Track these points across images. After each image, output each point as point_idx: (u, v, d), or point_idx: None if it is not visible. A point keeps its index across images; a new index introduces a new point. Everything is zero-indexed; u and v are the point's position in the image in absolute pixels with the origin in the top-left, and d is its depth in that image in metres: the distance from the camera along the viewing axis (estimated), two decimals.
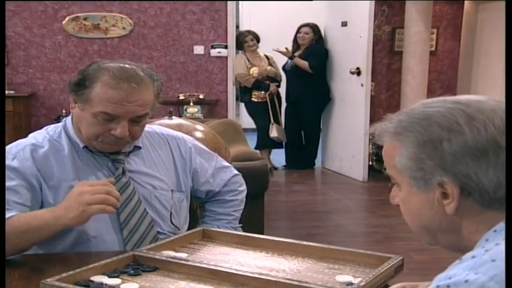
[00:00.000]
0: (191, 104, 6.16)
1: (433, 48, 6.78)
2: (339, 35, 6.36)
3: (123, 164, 1.76)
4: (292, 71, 6.38)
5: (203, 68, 6.43)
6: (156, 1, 6.27)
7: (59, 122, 1.65)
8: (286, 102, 6.59)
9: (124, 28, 6.30)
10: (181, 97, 6.22)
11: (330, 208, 5.23)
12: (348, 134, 6.17)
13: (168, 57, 6.35)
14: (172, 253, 1.58)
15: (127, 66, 1.68)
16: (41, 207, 1.66)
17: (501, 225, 0.90)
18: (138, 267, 1.49)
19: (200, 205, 2.10)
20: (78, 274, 1.39)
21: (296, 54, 6.39)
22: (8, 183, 1.61)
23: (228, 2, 6.35)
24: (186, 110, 6.13)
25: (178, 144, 1.89)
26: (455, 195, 0.93)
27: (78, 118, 1.70)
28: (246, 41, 6.29)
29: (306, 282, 1.36)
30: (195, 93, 6.31)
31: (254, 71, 6.19)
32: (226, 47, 6.37)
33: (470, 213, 0.94)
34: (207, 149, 1.99)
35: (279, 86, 6.37)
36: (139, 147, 1.80)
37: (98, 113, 1.63)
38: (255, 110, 6.30)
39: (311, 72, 6.27)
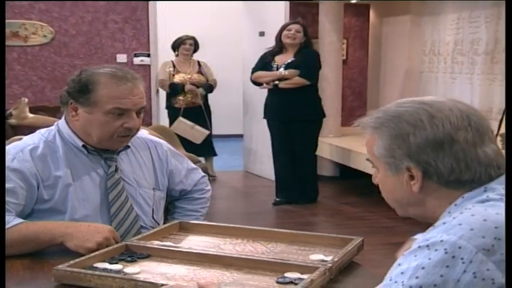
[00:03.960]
0: None
1: (344, 58, 7.20)
2: (257, 44, 6.60)
3: (116, 162, 1.92)
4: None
5: None
6: (81, 0, 6.27)
7: None
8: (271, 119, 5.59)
9: (45, 36, 6.27)
10: None
11: (255, 210, 5.48)
12: (269, 140, 6.40)
13: (90, 65, 6.35)
14: (159, 242, 1.75)
15: (116, 68, 1.86)
16: (35, 203, 1.79)
17: (460, 200, 1.14)
18: (132, 255, 1.65)
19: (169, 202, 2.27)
20: (82, 261, 1.54)
21: (284, 61, 5.34)
22: (6, 185, 1.72)
23: (150, 11, 6.47)
24: None
25: (156, 147, 2.07)
26: (419, 178, 1.16)
27: (86, 122, 1.83)
28: (185, 43, 6.18)
29: (288, 260, 1.58)
30: None
31: (177, 78, 6.16)
32: (149, 56, 6.48)
33: (431, 191, 1.18)
34: (178, 152, 2.17)
35: (210, 91, 6.22)
36: (128, 146, 1.97)
37: (111, 109, 1.79)
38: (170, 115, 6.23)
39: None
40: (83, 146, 1.87)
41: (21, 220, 1.70)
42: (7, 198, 1.70)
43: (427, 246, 1.03)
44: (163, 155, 2.07)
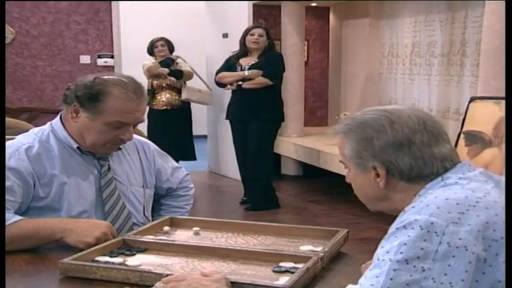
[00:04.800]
0: None
1: (306, 59, 7.34)
2: (221, 46, 6.68)
3: (108, 162, 1.98)
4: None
5: None
6: (42, 0, 6.22)
7: None
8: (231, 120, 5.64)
9: (5, 37, 6.20)
10: None
11: (223, 209, 5.55)
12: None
13: (53, 66, 6.34)
14: (153, 237, 1.81)
15: (126, 79, 1.90)
16: (31, 201, 1.84)
17: (423, 191, 1.30)
18: (130, 248, 1.71)
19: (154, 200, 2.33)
20: (84, 256, 1.59)
21: (248, 63, 5.38)
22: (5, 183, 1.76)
23: (113, 12, 6.47)
24: None
25: (143, 148, 2.14)
26: (383, 175, 1.33)
27: (84, 127, 1.88)
28: (156, 46, 6.10)
29: (282, 251, 1.66)
30: None
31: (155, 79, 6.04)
32: (112, 57, 6.47)
33: (395, 186, 1.34)
34: (163, 152, 2.24)
35: (179, 77, 6.06)
36: (120, 148, 2.02)
37: (113, 122, 1.85)
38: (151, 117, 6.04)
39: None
40: (77, 147, 1.92)
41: (20, 217, 1.75)
42: (6, 196, 1.74)
43: (404, 226, 1.18)
44: (150, 155, 2.14)
